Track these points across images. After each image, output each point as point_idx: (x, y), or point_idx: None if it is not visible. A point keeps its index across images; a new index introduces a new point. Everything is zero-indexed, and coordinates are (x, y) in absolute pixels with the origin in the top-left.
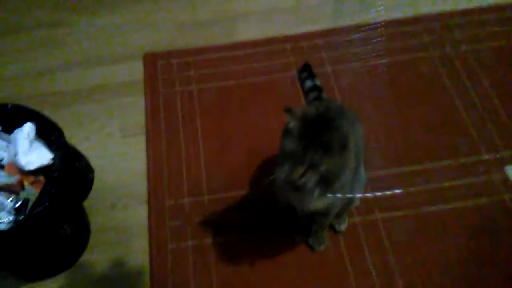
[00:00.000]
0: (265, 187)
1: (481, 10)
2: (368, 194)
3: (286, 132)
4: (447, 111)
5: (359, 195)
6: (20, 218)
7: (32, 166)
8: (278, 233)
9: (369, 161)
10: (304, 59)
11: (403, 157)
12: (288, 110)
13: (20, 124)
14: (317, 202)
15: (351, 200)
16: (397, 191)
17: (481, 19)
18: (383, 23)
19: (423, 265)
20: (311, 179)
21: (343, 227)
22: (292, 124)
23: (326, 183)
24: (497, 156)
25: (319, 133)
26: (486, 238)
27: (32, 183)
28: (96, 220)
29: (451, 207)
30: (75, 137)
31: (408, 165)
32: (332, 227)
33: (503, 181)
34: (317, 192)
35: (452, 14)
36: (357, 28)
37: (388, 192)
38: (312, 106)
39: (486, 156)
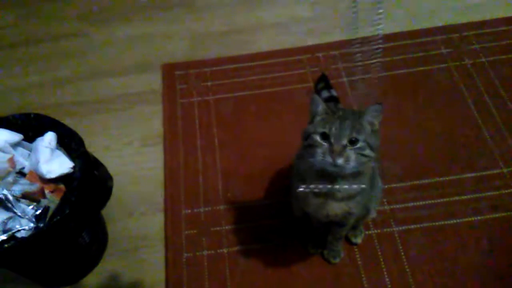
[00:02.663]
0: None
1: (500, 22)
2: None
3: (312, 120)
4: (465, 123)
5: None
6: (40, 225)
7: (53, 175)
8: (293, 244)
9: (386, 173)
10: (320, 70)
11: (420, 169)
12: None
13: (41, 133)
14: (341, 205)
15: (367, 211)
16: (414, 203)
17: (500, 31)
18: (400, 34)
19: (440, 280)
20: (351, 155)
21: (359, 239)
22: (320, 106)
23: (361, 163)
24: None
25: (347, 112)
26: (504, 253)
27: (53, 191)
28: (113, 227)
29: (468, 221)
30: (94, 146)
31: (425, 177)
32: (348, 239)
33: None
34: (354, 168)
35: (470, 25)
36: (374, 39)
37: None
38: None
39: (504, 170)
